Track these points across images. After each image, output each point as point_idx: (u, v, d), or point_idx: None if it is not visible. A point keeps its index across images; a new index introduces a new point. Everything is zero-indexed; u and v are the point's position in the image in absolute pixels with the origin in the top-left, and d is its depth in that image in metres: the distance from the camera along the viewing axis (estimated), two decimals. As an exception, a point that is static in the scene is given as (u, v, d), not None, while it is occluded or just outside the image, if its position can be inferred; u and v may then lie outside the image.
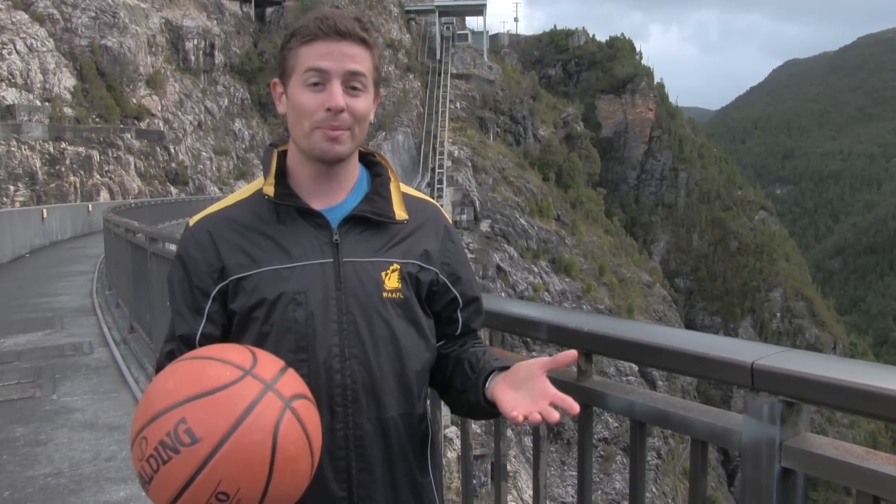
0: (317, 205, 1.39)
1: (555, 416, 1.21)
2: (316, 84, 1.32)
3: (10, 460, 4.58)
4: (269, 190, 1.38)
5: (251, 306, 1.34)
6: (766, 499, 1.22)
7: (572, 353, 1.28)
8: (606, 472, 35.61)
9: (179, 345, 1.38)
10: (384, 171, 1.48)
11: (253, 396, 1.12)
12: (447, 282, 1.47)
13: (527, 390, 1.26)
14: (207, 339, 1.37)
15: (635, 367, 39.70)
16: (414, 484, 1.44)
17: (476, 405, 1.38)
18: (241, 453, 1.08)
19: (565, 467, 33.46)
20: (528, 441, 28.04)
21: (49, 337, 8.48)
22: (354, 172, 1.46)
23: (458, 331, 1.51)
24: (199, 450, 1.07)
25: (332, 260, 1.36)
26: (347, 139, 1.35)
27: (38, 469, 4.42)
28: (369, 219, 1.40)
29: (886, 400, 1.06)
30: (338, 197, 1.42)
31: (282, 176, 1.41)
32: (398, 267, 1.40)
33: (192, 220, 1.42)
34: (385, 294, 1.37)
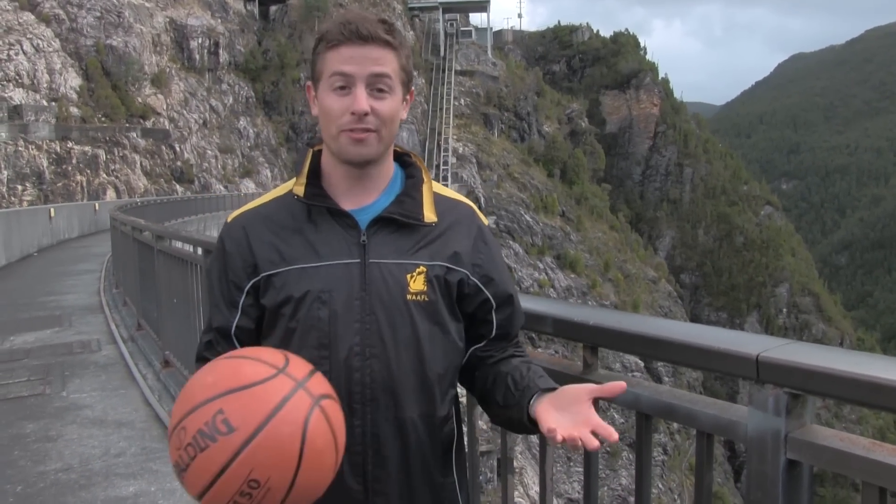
0: (348, 205, 1.41)
1: (595, 443, 1.21)
2: (342, 88, 1.34)
3: (22, 456, 4.61)
4: (300, 190, 1.41)
5: (279, 303, 1.38)
6: (772, 490, 1.22)
7: (621, 385, 1.28)
8: (613, 469, 35.59)
9: (216, 336, 1.44)
10: (417, 173, 1.49)
11: (285, 392, 1.18)
12: (478, 283, 1.46)
13: (571, 414, 1.26)
14: (242, 331, 1.43)
15: (641, 363, 39.68)
16: (432, 483, 1.45)
17: (518, 422, 1.39)
18: (273, 443, 1.14)
19: (571, 463, 33.46)
20: (534, 437, 27.97)
21: (58, 335, 8.52)
22: (388, 173, 1.47)
23: (494, 333, 1.50)
24: (234, 438, 1.13)
25: (358, 260, 1.38)
26: (374, 141, 1.36)
27: (49, 465, 4.45)
28: (397, 220, 1.41)
29: (892, 391, 1.07)
30: (369, 198, 1.43)
31: (315, 176, 1.44)
32: (424, 269, 1.40)
33: (231, 217, 1.48)
34: (409, 296, 1.38)
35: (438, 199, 1.47)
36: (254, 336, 1.44)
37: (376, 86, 1.35)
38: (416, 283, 1.39)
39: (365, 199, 1.43)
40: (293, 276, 1.37)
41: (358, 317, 1.36)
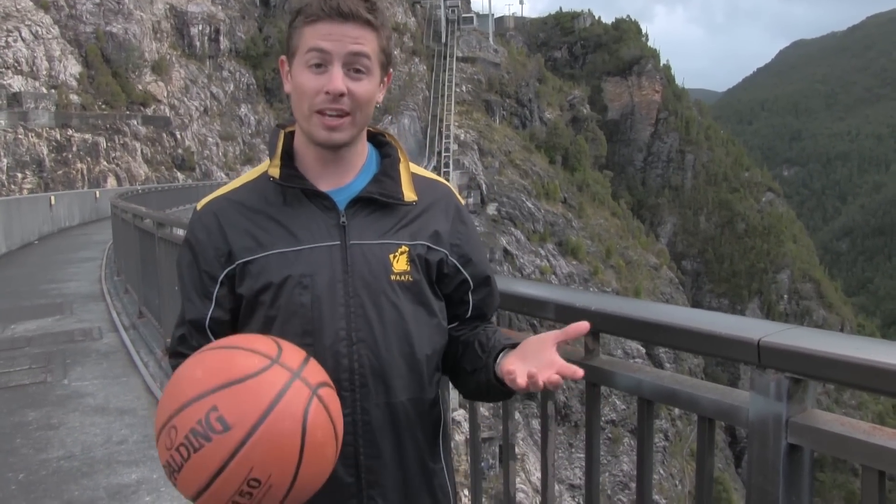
0: (324, 186, 1.37)
1: (556, 379, 1.20)
2: (318, 66, 1.29)
3: (24, 443, 4.63)
4: (275, 172, 1.35)
5: (258, 290, 1.32)
6: (773, 475, 1.22)
7: (584, 325, 1.28)
8: (614, 454, 35.74)
9: (190, 329, 1.37)
10: (393, 152, 1.46)
11: (282, 384, 1.13)
12: (457, 263, 1.44)
13: (535, 360, 1.25)
14: (216, 324, 1.36)
15: (643, 350, 39.76)
16: (424, 469, 1.42)
17: (487, 384, 1.37)
18: (272, 440, 1.09)
19: (573, 449, 33.62)
20: (535, 424, 28.14)
21: (59, 323, 8.53)
22: (362, 153, 1.43)
23: (469, 313, 1.48)
24: (231, 437, 1.08)
25: (339, 242, 1.33)
26: (347, 126, 1.32)
27: (52, 452, 4.47)
28: (377, 200, 1.37)
29: (893, 375, 1.07)
30: (345, 178, 1.39)
31: (288, 157, 1.39)
32: (407, 249, 1.37)
33: (200, 204, 1.40)
34: (393, 277, 1.35)
35: (416, 179, 1.45)
36: (228, 327, 1.37)
37: (354, 66, 1.30)
38: (400, 264, 1.36)
39: (341, 180, 1.39)
40: (272, 262, 1.32)
41: (342, 300, 1.32)
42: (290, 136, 1.42)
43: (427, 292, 1.40)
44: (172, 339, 1.42)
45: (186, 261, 1.39)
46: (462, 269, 1.45)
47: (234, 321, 1.38)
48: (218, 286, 1.35)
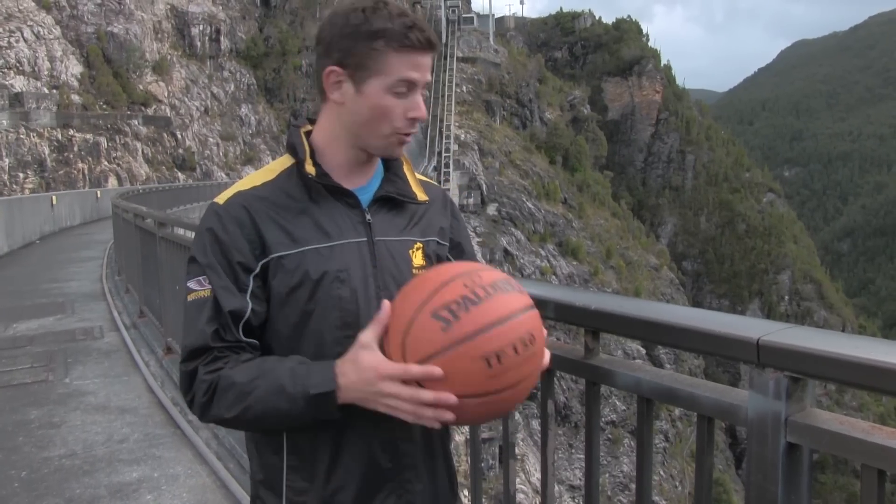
0: (347, 185, 1.42)
1: None
2: (402, 92, 1.35)
3: (26, 442, 4.64)
4: (311, 169, 1.39)
5: (293, 286, 1.34)
6: (772, 473, 1.23)
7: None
8: (614, 455, 35.76)
9: (226, 322, 1.32)
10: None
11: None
12: (450, 257, 1.55)
13: None
14: (255, 317, 1.35)
15: (643, 350, 39.77)
16: (445, 451, 1.50)
17: None
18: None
19: (573, 450, 33.62)
20: (535, 424, 28.13)
21: (60, 322, 8.54)
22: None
23: None
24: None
25: (365, 239, 1.39)
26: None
27: (53, 450, 4.47)
28: (395, 199, 1.45)
29: (893, 375, 1.07)
30: (365, 179, 1.45)
31: (314, 156, 1.43)
32: (421, 245, 1.46)
33: (222, 199, 1.39)
34: (414, 270, 1.43)
35: (419, 180, 1.54)
36: (262, 322, 1.36)
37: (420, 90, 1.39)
38: (417, 259, 1.44)
39: (361, 180, 1.44)
40: (308, 258, 1.34)
41: (374, 293, 1.37)
42: (307, 136, 1.47)
43: None
44: (196, 334, 1.33)
45: (216, 253, 1.34)
46: (454, 259, 1.55)
47: (266, 313, 1.38)
48: (252, 279, 1.35)
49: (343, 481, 1.36)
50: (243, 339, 1.34)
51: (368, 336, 1.23)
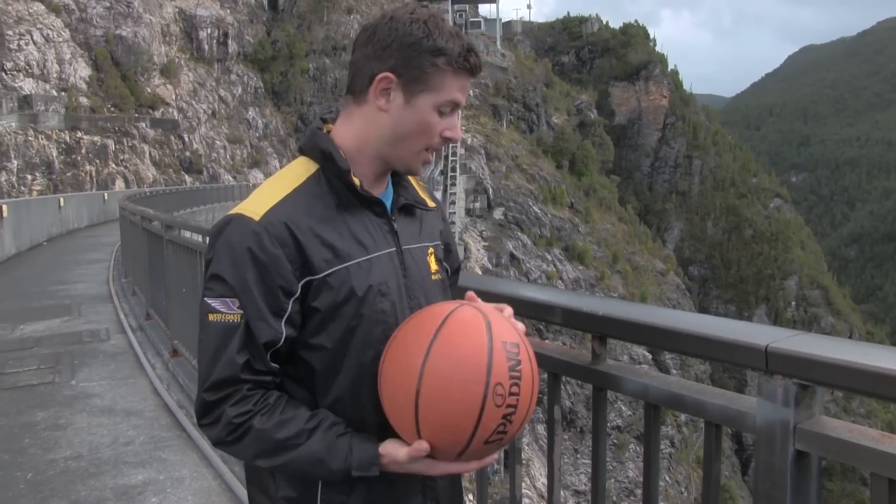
0: (373, 193, 1.42)
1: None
2: (446, 112, 1.36)
3: (32, 443, 4.65)
4: (357, 181, 1.35)
5: (339, 302, 1.31)
6: (781, 481, 1.22)
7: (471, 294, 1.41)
8: (620, 461, 35.65)
9: (260, 352, 1.27)
10: None
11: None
12: (441, 257, 1.57)
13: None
14: (286, 343, 1.30)
15: (649, 356, 39.64)
16: None
17: None
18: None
19: (578, 455, 33.50)
20: (541, 429, 28.09)
21: (67, 324, 8.57)
22: None
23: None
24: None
25: (394, 248, 1.39)
26: None
27: (59, 452, 4.48)
28: (412, 206, 1.47)
29: (901, 382, 1.06)
30: (384, 186, 1.45)
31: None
32: (433, 250, 1.49)
33: (255, 214, 1.29)
34: (433, 276, 1.45)
35: (421, 185, 1.57)
36: (289, 347, 1.32)
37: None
38: (433, 263, 1.47)
39: (381, 188, 1.44)
40: (352, 273, 1.31)
41: (407, 303, 1.37)
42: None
43: (447, 288, 1.52)
44: (224, 364, 1.26)
45: (253, 277, 1.26)
46: (444, 261, 1.59)
47: (297, 337, 1.34)
48: (292, 303, 1.29)
49: (382, 491, 1.36)
50: (272, 366, 1.30)
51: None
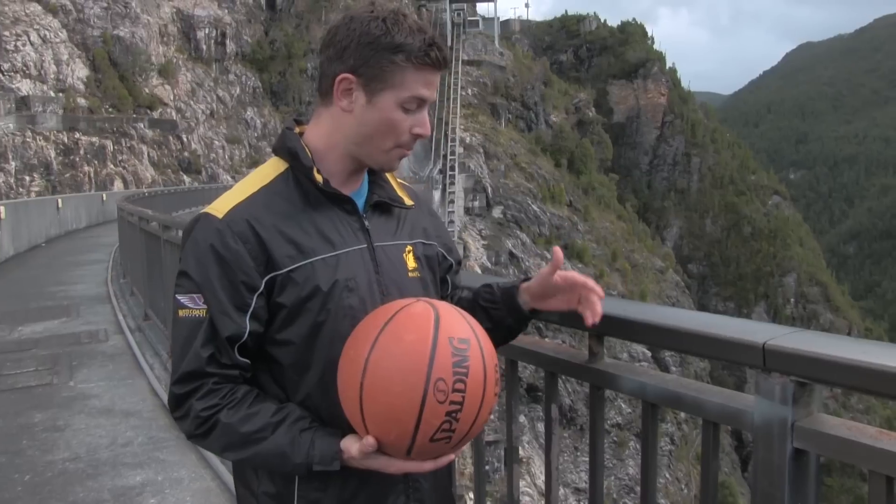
0: (344, 191, 1.42)
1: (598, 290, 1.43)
2: (411, 108, 1.35)
3: (30, 445, 4.64)
4: (320, 178, 1.36)
5: (304, 298, 1.32)
6: (779, 479, 1.22)
7: (559, 252, 1.42)
8: (619, 458, 35.63)
9: (224, 346, 1.30)
10: None
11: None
12: (443, 252, 1.58)
13: (562, 292, 1.46)
14: (251, 338, 1.32)
15: (648, 354, 39.65)
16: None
17: (518, 324, 1.54)
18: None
19: (578, 453, 33.49)
20: (540, 427, 28.08)
21: (65, 325, 8.56)
22: None
23: (449, 290, 1.62)
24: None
25: (365, 245, 1.40)
26: None
27: (57, 454, 4.48)
28: (386, 204, 1.46)
29: (900, 379, 1.06)
30: (357, 184, 1.46)
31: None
32: (411, 248, 1.48)
33: (219, 212, 1.33)
34: (409, 274, 1.45)
35: (400, 184, 1.57)
36: (256, 343, 1.34)
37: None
38: (410, 261, 1.46)
39: (354, 186, 1.44)
40: (317, 269, 1.32)
41: (379, 298, 1.37)
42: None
43: (430, 285, 1.50)
44: (191, 358, 1.30)
45: (216, 273, 1.29)
46: (448, 256, 1.60)
47: (265, 332, 1.36)
48: (255, 298, 1.31)
49: (357, 488, 1.36)
50: (239, 359, 1.32)
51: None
